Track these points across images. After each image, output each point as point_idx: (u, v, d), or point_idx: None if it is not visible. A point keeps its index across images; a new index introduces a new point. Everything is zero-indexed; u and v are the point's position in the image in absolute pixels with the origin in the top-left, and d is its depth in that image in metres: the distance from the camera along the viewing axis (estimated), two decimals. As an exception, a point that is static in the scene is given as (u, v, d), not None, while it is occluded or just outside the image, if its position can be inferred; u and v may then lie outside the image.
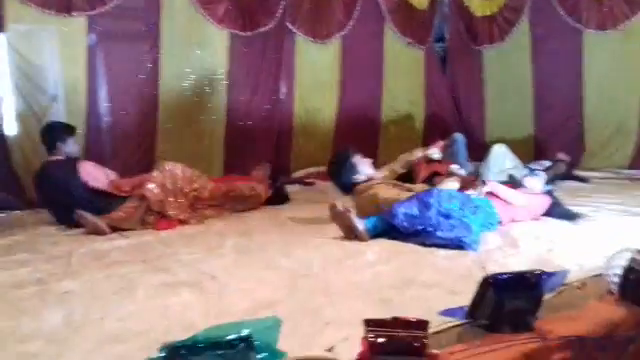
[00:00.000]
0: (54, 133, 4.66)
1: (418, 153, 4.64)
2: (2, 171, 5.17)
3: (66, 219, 4.38)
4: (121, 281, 2.97)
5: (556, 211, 4.32)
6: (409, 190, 4.24)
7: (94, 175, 4.56)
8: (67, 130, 4.73)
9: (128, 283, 2.92)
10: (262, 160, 5.99)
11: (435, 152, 4.64)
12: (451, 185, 4.33)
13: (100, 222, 4.16)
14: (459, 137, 5.98)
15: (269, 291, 2.74)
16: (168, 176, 4.54)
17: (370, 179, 4.39)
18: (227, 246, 3.70)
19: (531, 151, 7.37)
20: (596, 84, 7.04)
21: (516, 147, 6.19)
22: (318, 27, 7.13)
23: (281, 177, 5.97)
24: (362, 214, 4.32)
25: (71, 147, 4.66)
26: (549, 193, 4.45)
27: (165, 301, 2.63)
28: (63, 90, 5.55)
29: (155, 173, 4.53)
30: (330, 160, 4.75)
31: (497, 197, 4.10)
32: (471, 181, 4.81)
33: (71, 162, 4.57)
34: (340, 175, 4.47)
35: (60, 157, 4.58)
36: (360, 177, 4.40)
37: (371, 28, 7.61)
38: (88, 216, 4.17)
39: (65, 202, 4.38)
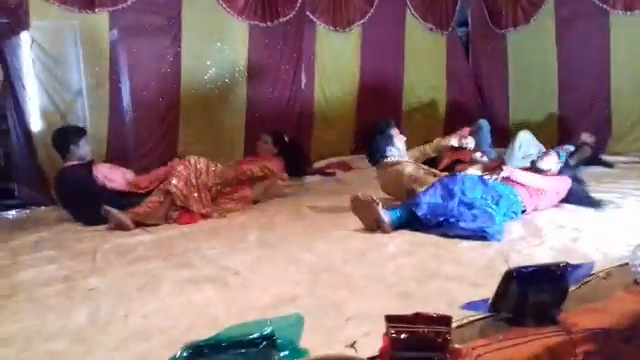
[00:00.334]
0: (67, 136, 4.63)
1: (453, 140, 4.60)
2: (27, 167, 5.24)
3: (88, 220, 4.40)
4: (145, 277, 3.00)
5: (577, 194, 4.26)
6: (435, 175, 4.24)
7: (111, 177, 4.57)
8: (79, 132, 4.72)
9: (152, 279, 2.95)
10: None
11: (470, 142, 4.60)
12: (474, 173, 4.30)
13: (125, 217, 4.19)
14: (484, 124, 5.96)
15: (291, 286, 2.75)
16: (192, 171, 4.55)
17: (399, 161, 4.40)
18: (249, 240, 3.71)
19: (555, 134, 7.26)
20: (623, 66, 6.87)
21: (540, 130, 6.12)
22: (338, 16, 7.11)
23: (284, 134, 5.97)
24: (384, 189, 4.37)
25: (84, 149, 4.64)
26: (566, 165, 4.39)
27: (188, 297, 2.65)
28: (86, 86, 5.61)
29: (180, 167, 4.54)
30: (369, 128, 4.75)
31: (516, 182, 4.05)
32: (494, 167, 4.77)
33: (86, 166, 4.58)
34: (375, 142, 4.49)
35: (74, 162, 4.58)
36: (392, 152, 4.42)
37: (392, 15, 7.55)
38: (114, 211, 4.20)
39: (86, 205, 4.40)
